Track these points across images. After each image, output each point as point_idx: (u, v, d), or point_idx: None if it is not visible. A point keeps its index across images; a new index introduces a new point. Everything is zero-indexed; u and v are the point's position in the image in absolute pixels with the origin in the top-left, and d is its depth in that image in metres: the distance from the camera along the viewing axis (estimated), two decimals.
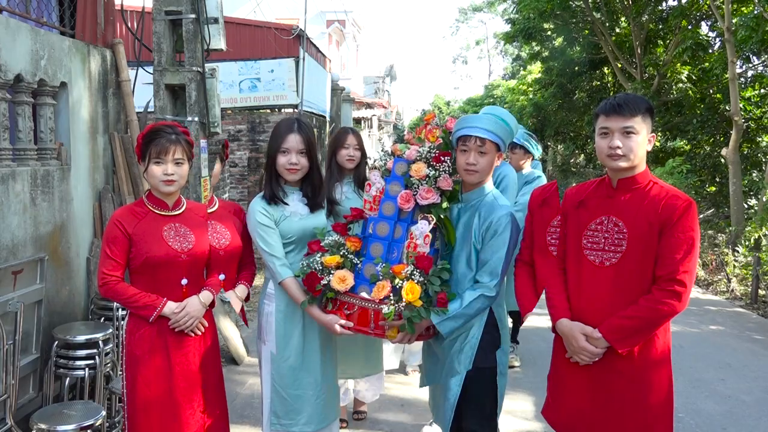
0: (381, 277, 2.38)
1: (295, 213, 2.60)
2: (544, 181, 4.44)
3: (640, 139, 2.13)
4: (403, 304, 2.28)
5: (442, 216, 2.43)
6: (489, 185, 2.49)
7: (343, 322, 2.42)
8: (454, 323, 2.34)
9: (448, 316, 2.32)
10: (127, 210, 2.39)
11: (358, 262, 2.48)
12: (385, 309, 2.31)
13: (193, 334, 2.41)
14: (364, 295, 2.41)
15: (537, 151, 4.55)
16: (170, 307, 2.33)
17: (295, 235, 2.59)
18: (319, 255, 2.48)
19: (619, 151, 2.13)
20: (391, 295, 2.32)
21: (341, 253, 2.48)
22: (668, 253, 2.07)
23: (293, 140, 2.54)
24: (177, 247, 2.35)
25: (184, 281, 2.38)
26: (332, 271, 2.42)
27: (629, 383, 2.16)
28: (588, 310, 2.21)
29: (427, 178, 2.44)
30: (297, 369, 2.58)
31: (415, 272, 2.32)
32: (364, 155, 3.37)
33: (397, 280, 2.32)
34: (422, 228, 2.37)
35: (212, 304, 2.49)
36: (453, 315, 2.33)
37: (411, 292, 2.27)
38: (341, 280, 2.39)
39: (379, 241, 2.48)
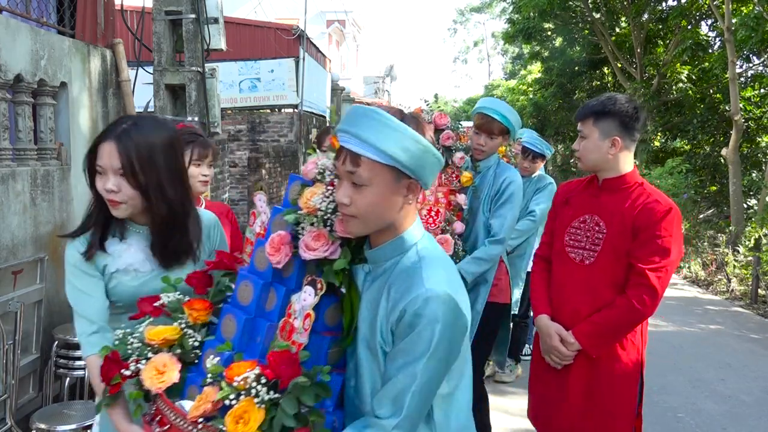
0: (210, 380, 1.26)
1: (129, 268, 1.64)
2: (554, 187, 4.10)
3: (587, 143, 2.18)
4: None
5: (337, 283, 1.35)
6: (414, 232, 1.34)
7: None
8: None
9: None
10: None
11: (200, 342, 1.41)
12: None
13: None
14: (184, 404, 1.31)
15: (549, 150, 4.19)
16: None
17: (126, 302, 1.65)
18: (147, 322, 1.44)
19: (576, 153, 2.24)
20: (217, 414, 1.22)
21: (180, 324, 1.42)
22: (639, 256, 2.07)
23: (105, 153, 1.53)
24: None
25: None
26: (151, 354, 1.37)
27: (596, 384, 2.17)
28: (564, 307, 2.24)
29: (317, 215, 1.35)
30: None
31: (259, 384, 1.20)
32: None
33: (227, 391, 1.20)
34: (305, 300, 1.30)
35: None
36: None
37: (242, 418, 1.18)
38: (157, 371, 1.33)
39: (236, 312, 1.38)
